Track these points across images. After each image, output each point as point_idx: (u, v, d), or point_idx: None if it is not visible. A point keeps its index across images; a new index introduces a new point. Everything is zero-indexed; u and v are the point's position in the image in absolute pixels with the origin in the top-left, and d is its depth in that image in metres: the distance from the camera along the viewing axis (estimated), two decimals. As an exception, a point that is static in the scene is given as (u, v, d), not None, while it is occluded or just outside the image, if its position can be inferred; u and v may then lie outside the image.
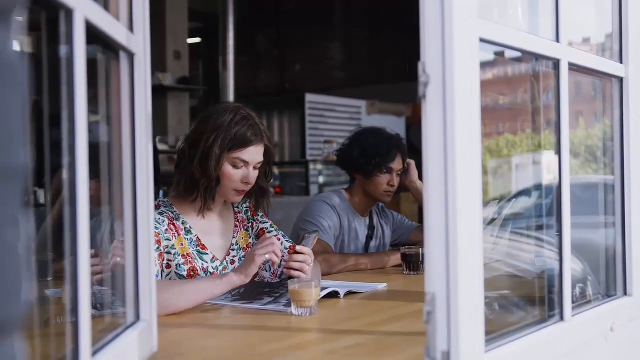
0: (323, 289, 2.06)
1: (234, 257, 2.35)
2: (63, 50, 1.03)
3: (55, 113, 1.05)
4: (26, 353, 0.66)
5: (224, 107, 2.29)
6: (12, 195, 0.61)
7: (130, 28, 1.37)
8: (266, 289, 2.17)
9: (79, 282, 1.03)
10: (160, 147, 6.66)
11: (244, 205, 2.46)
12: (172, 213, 2.26)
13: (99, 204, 1.39)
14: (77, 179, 1.02)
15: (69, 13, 1.01)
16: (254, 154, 2.25)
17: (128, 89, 1.38)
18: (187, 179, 2.24)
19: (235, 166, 2.23)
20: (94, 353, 1.11)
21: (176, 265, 2.19)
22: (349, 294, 2.22)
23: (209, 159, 2.19)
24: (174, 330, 1.77)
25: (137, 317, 1.39)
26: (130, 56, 1.37)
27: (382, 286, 2.40)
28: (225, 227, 2.38)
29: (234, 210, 2.44)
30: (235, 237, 2.38)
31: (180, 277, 2.19)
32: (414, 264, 2.68)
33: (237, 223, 2.42)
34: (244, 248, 2.39)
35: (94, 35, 1.14)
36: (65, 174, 1.03)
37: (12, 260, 0.61)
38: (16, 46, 0.63)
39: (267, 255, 2.01)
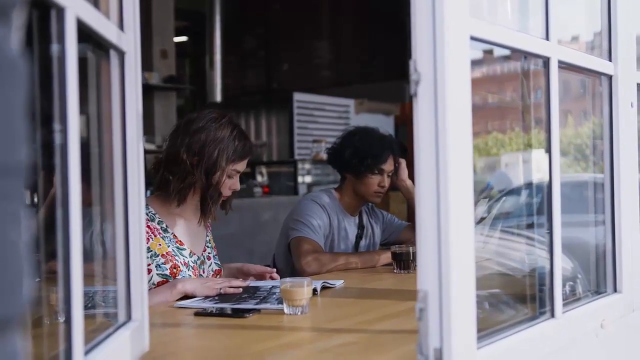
0: None
1: (209, 253, 2.48)
2: (54, 48, 1.03)
3: (45, 112, 1.05)
4: (27, 350, 0.66)
5: (217, 118, 2.34)
6: (14, 193, 0.61)
7: (121, 26, 1.36)
8: (244, 294, 2.16)
9: (72, 283, 1.02)
10: (147, 146, 6.64)
11: None
12: (148, 214, 2.30)
13: (89, 204, 1.38)
14: (69, 179, 1.02)
15: (60, 11, 1.01)
16: (245, 164, 2.41)
17: (118, 87, 1.37)
18: (188, 188, 2.31)
19: (229, 176, 2.35)
20: (86, 352, 1.11)
21: (156, 266, 2.25)
22: (324, 288, 2.28)
23: (215, 172, 2.30)
24: (165, 330, 1.77)
25: (129, 317, 1.39)
26: (121, 55, 1.36)
27: (339, 282, 2.42)
28: (199, 227, 2.46)
29: None
30: (208, 236, 2.51)
31: (163, 276, 2.25)
32: (404, 262, 2.68)
33: (208, 224, 2.53)
34: (214, 247, 2.53)
35: (84, 34, 1.13)
36: (56, 174, 1.03)
37: (15, 258, 0.61)
38: (16, 44, 0.63)
39: (221, 290, 2.16)
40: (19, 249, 0.61)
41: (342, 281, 2.44)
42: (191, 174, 2.29)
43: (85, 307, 1.12)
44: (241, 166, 2.37)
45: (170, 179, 2.30)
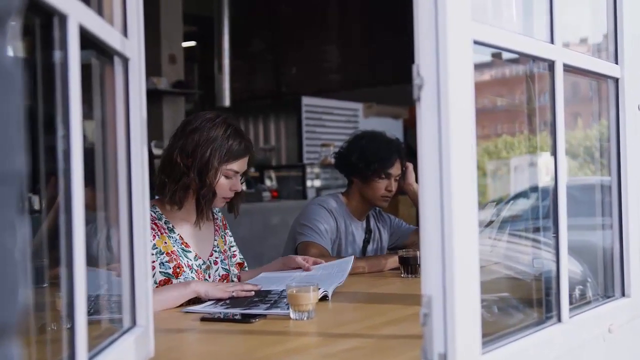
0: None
1: (216, 258, 2.46)
2: (57, 55, 1.03)
3: (49, 118, 1.05)
4: (23, 357, 0.67)
5: (212, 118, 2.35)
6: (9, 201, 0.62)
7: (125, 33, 1.37)
8: (255, 297, 2.16)
9: (75, 288, 1.03)
10: (156, 151, 6.63)
11: (219, 214, 2.58)
12: (155, 213, 2.33)
13: (94, 210, 1.39)
14: (72, 184, 1.02)
15: (63, 19, 1.01)
16: (244, 164, 2.39)
17: (122, 93, 1.37)
18: (183, 189, 2.31)
19: (227, 177, 2.34)
20: (90, 358, 1.11)
21: (160, 263, 2.26)
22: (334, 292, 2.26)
23: (208, 172, 2.29)
24: (170, 336, 1.77)
25: (134, 323, 1.39)
26: (125, 61, 1.37)
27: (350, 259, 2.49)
28: (207, 231, 2.46)
29: (213, 215, 2.52)
30: (216, 240, 2.49)
31: (166, 275, 2.26)
32: (411, 266, 2.67)
33: (217, 228, 2.52)
34: (223, 251, 2.50)
35: (88, 40, 1.14)
36: (60, 180, 1.03)
37: (10, 265, 0.61)
38: (12, 52, 0.63)
39: (234, 294, 2.16)
40: (14, 256, 0.62)
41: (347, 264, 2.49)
42: (186, 174, 2.28)
43: (89, 313, 1.12)
44: (238, 166, 2.35)
45: (166, 181, 2.30)
